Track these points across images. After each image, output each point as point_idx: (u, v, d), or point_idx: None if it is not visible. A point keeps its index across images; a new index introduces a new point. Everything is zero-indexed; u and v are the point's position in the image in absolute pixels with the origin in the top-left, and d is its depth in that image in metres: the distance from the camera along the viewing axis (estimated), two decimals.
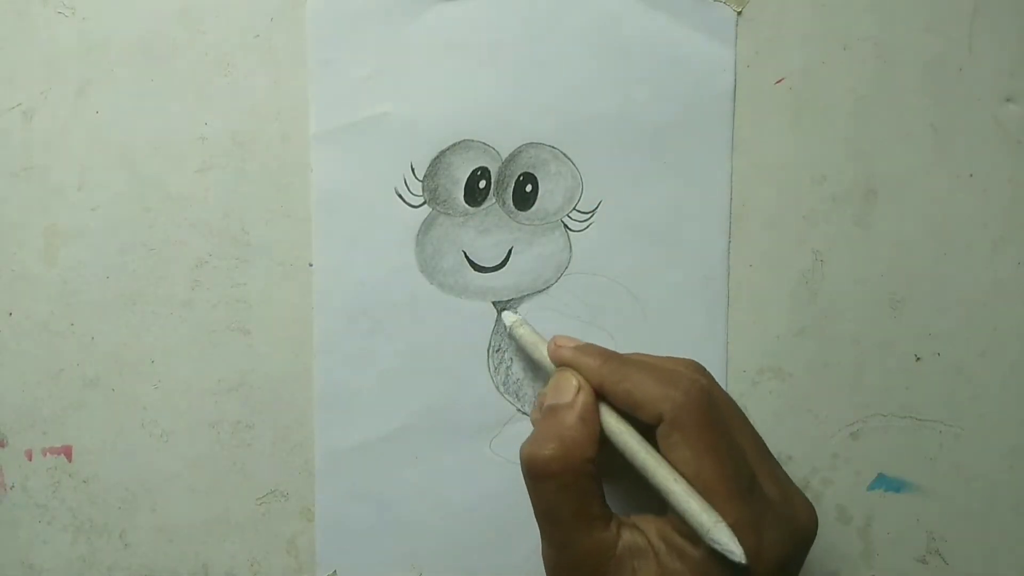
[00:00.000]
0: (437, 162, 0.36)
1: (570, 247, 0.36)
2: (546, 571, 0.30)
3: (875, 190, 0.36)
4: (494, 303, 0.36)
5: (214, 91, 0.36)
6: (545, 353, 0.33)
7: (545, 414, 0.30)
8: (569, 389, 0.30)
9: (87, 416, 0.38)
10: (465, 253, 0.36)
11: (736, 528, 0.26)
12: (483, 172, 0.36)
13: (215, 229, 0.37)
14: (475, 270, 0.36)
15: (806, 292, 0.36)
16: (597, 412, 0.30)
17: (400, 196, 0.36)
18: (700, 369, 0.30)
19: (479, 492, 0.37)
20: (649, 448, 0.29)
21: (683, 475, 0.28)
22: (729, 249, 0.36)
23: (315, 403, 0.37)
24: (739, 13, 0.36)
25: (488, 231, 0.36)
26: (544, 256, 0.36)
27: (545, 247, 0.36)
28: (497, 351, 0.37)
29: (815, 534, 0.29)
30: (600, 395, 0.30)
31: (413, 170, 0.36)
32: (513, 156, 0.36)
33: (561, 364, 0.32)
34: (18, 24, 0.37)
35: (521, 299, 0.36)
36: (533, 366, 0.36)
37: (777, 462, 0.30)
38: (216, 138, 0.37)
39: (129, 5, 0.36)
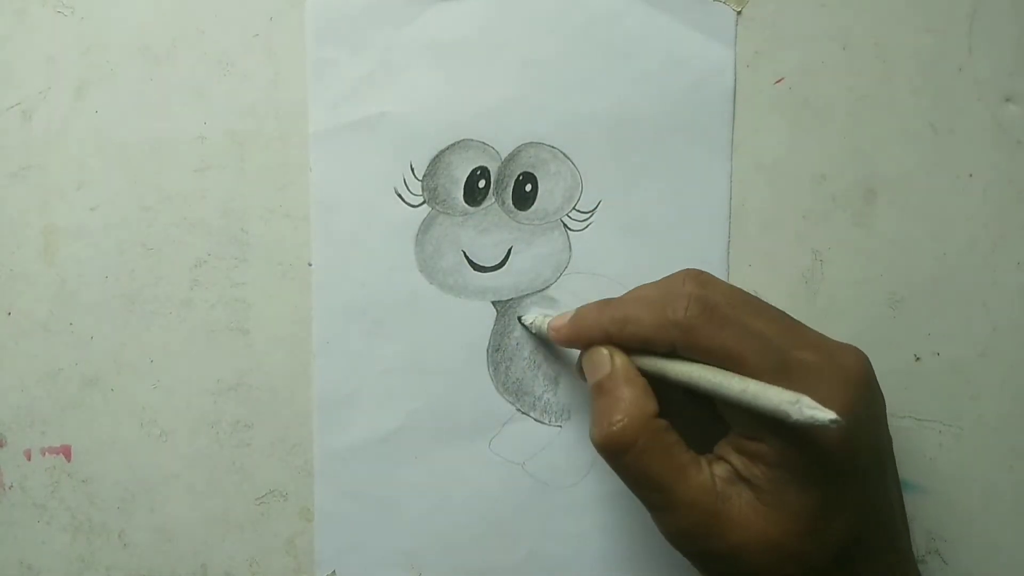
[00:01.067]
0: (436, 161, 0.36)
1: (569, 247, 0.36)
2: (669, 540, 0.30)
3: (875, 190, 0.36)
4: (494, 303, 0.36)
5: (213, 90, 0.36)
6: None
7: (593, 394, 0.30)
8: (603, 360, 0.30)
9: (86, 416, 0.38)
10: (464, 253, 0.36)
11: None
12: (482, 171, 0.36)
13: (214, 228, 0.37)
14: (475, 270, 0.36)
15: (806, 292, 0.36)
16: (635, 368, 0.30)
17: (399, 196, 0.36)
18: (692, 277, 0.30)
19: (479, 492, 0.37)
20: (691, 365, 0.29)
21: None
22: (728, 249, 0.36)
23: (314, 403, 0.37)
24: (739, 13, 0.36)
25: (487, 231, 0.36)
26: (544, 256, 0.36)
27: (545, 247, 0.36)
28: (496, 351, 0.37)
29: (870, 373, 0.29)
30: (615, 344, 0.30)
31: (412, 169, 0.36)
32: (513, 156, 0.36)
33: (566, 342, 0.32)
34: (17, 23, 0.37)
35: (521, 299, 0.36)
36: (539, 360, 0.36)
37: (804, 326, 0.30)
38: (215, 137, 0.37)
39: (128, 4, 0.36)
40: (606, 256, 0.36)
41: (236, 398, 0.37)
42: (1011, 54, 0.35)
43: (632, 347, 0.30)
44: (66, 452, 0.38)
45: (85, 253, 0.37)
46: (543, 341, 0.36)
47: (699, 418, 0.30)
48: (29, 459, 0.38)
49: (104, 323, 0.37)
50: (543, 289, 0.36)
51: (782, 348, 0.28)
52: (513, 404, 0.37)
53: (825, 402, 0.25)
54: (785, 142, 0.36)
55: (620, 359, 0.30)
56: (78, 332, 0.38)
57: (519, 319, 0.36)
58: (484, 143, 0.36)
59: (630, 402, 0.29)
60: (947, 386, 0.36)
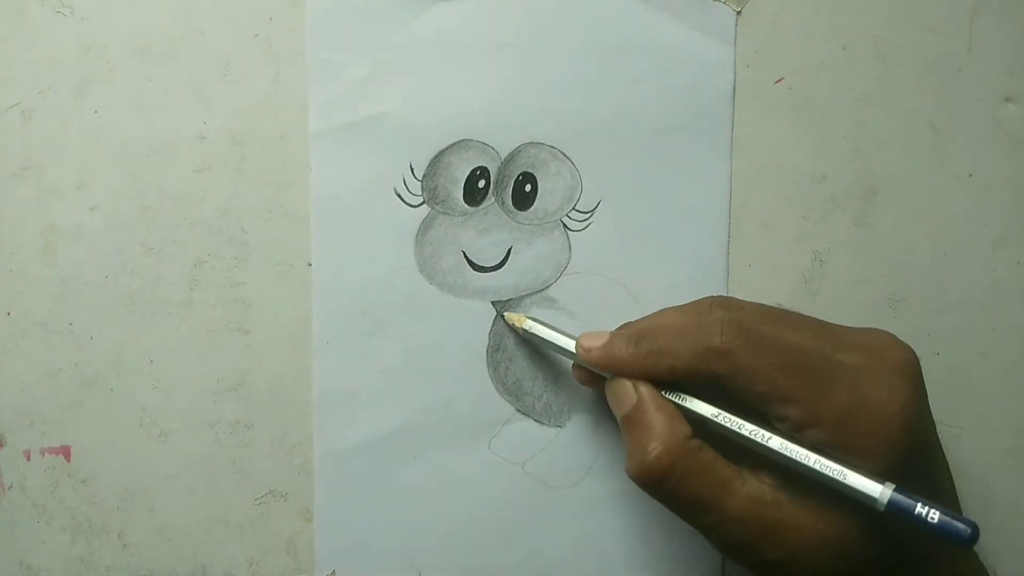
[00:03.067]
0: (436, 162, 0.36)
1: (569, 247, 0.36)
2: (724, 554, 0.30)
3: (875, 190, 0.36)
4: (493, 303, 0.36)
5: (213, 91, 0.36)
6: (561, 340, 0.33)
7: (624, 428, 0.30)
8: (627, 392, 0.30)
9: (86, 416, 0.38)
10: (464, 253, 0.36)
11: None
12: (482, 172, 0.36)
13: (214, 229, 0.37)
14: (474, 270, 0.36)
15: (806, 292, 0.36)
16: (662, 395, 0.30)
17: (399, 196, 0.36)
18: (719, 303, 0.30)
19: (479, 492, 0.37)
20: (733, 419, 0.29)
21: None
22: (728, 249, 0.36)
23: (314, 403, 0.37)
24: (739, 13, 0.36)
25: (487, 231, 0.36)
26: (543, 256, 0.36)
27: (544, 247, 0.36)
28: (496, 351, 0.37)
29: (917, 364, 0.29)
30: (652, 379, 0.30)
31: (412, 170, 0.36)
32: (512, 156, 0.36)
33: (595, 366, 0.32)
34: (16, 23, 0.37)
35: (520, 299, 0.36)
36: (538, 360, 0.36)
37: (839, 327, 0.30)
38: (215, 138, 0.37)
39: (128, 4, 0.36)
40: (606, 256, 0.36)
41: (236, 398, 0.37)
42: (1011, 54, 0.35)
43: (669, 381, 0.30)
44: (66, 452, 0.38)
45: (85, 253, 0.37)
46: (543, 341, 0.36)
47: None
48: (29, 459, 0.38)
49: (104, 323, 0.37)
50: (543, 289, 0.36)
51: (826, 355, 0.28)
52: (513, 404, 0.37)
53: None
54: (785, 142, 0.36)
55: (644, 388, 0.30)
56: (78, 332, 0.37)
57: (502, 316, 0.36)
58: (484, 143, 0.36)
59: (662, 428, 0.29)
60: (947, 386, 0.36)
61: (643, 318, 0.32)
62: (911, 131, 0.35)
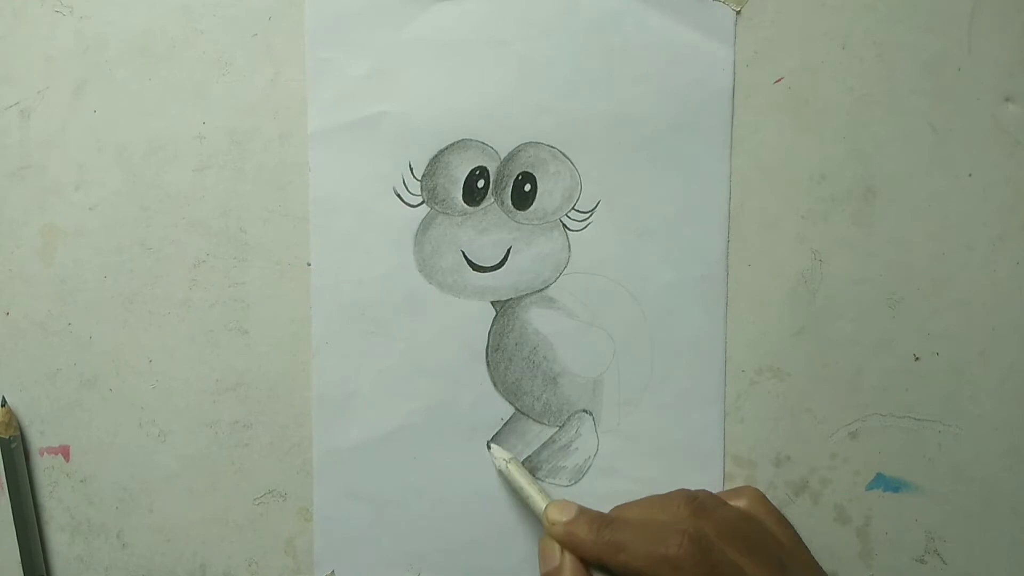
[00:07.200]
0: (435, 161, 0.36)
1: (569, 247, 0.36)
2: None
3: (874, 190, 0.36)
4: (493, 302, 0.36)
5: (212, 90, 0.36)
6: (533, 498, 0.35)
7: None
8: (554, 554, 0.32)
9: (85, 416, 0.38)
10: (464, 252, 0.36)
11: None
12: (482, 171, 0.36)
13: (213, 228, 0.37)
14: (474, 270, 0.36)
15: (805, 292, 0.36)
16: (585, 569, 0.32)
17: (398, 195, 0.36)
18: (688, 503, 0.31)
19: (477, 492, 0.37)
20: None
21: None
22: (728, 249, 0.36)
23: (313, 403, 0.37)
24: (738, 12, 0.35)
25: (487, 230, 0.36)
26: (543, 256, 0.36)
27: (544, 247, 0.36)
28: (496, 351, 0.36)
29: None
30: (605, 568, 0.31)
31: (411, 169, 0.36)
32: (512, 155, 0.36)
33: (558, 541, 0.33)
34: (16, 22, 0.37)
35: (520, 298, 0.36)
36: (538, 360, 0.36)
37: (803, 560, 0.31)
38: (214, 137, 0.37)
39: (127, 4, 0.36)
40: (605, 256, 0.36)
41: (235, 398, 0.37)
42: (1011, 54, 0.35)
43: (623, 574, 0.31)
44: (65, 452, 0.38)
45: (84, 253, 0.37)
46: (543, 341, 0.36)
47: None
48: (28, 459, 0.38)
49: (103, 323, 0.37)
50: (542, 289, 0.36)
51: None
52: (512, 404, 0.37)
53: None
54: (785, 142, 0.36)
55: (570, 559, 0.32)
56: (77, 332, 0.37)
57: (487, 444, 0.36)
58: (483, 143, 0.36)
59: None
60: (947, 386, 0.36)
61: (621, 505, 0.34)
62: (911, 131, 0.35)
